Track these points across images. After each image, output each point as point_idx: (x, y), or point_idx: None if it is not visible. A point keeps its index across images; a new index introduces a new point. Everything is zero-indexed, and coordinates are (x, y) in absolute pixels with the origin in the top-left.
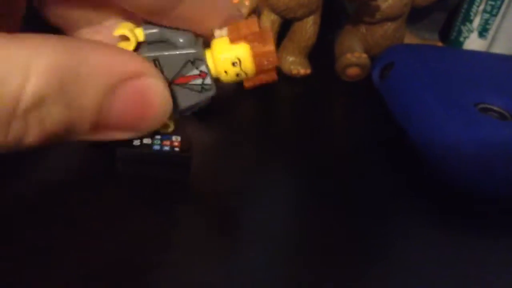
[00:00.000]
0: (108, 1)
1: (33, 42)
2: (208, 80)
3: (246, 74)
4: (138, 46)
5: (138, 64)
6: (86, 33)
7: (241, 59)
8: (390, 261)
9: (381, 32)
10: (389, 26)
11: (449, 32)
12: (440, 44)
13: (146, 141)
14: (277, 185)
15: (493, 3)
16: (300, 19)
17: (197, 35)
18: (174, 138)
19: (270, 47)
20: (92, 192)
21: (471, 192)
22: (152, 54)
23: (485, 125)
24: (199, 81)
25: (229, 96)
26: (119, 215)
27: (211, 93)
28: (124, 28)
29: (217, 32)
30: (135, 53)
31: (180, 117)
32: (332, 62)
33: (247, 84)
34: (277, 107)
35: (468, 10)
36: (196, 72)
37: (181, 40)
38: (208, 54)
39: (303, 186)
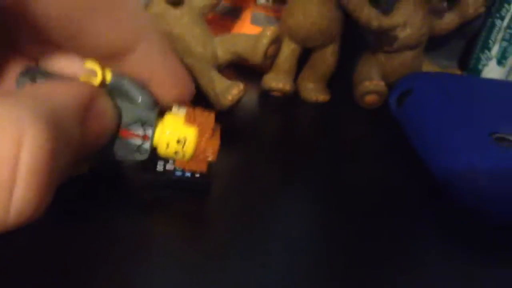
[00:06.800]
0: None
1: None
2: (146, 145)
3: (183, 155)
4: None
5: (93, 87)
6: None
7: (187, 140)
8: (409, 278)
9: (399, 61)
10: (407, 55)
11: (468, 60)
12: (458, 72)
13: (169, 167)
14: (296, 207)
15: None
16: (320, 48)
17: (156, 101)
18: None
19: (216, 143)
20: (115, 217)
21: (488, 220)
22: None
23: (500, 155)
24: (138, 142)
25: (249, 121)
26: (142, 236)
27: (142, 157)
28: (95, 64)
29: (174, 109)
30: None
31: None
32: (350, 89)
33: (177, 164)
34: (296, 132)
35: (487, 38)
36: (141, 133)
37: (140, 97)
38: (159, 124)
39: (322, 209)
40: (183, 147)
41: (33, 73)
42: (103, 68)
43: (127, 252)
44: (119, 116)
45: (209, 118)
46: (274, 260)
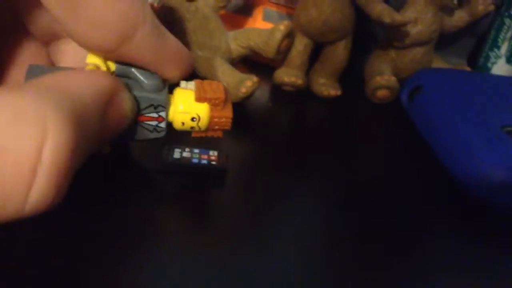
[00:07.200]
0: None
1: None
2: (162, 124)
3: (199, 128)
4: None
5: (113, 81)
6: (61, 43)
7: (200, 117)
8: (422, 276)
9: (410, 57)
10: (418, 51)
11: (477, 58)
12: (468, 69)
13: (186, 154)
14: (306, 201)
15: None
16: (332, 43)
17: (164, 81)
18: (211, 152)
19: (229, 113)
20: (129, 201)
21: (500, 212)
22: None
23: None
24: (154, 123)
25: (261, 115)
26: (154, 221)
27: (160, 135)
28: (96, 58)
29: (183, 84)
30: (106, 72)
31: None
32: (361, 85)
33: (194, 135)
34: (307, 127)
35: (496, 37)
36: (155, 115)
37: (147, 82)
38: (171, 102)
39: (332, 204)
40: (198, 123)
41: (40, 70)
42: (105, 61)
43: (137, 235)
44: (137, 105)
45: (219, 89)
46: (280, 254)
